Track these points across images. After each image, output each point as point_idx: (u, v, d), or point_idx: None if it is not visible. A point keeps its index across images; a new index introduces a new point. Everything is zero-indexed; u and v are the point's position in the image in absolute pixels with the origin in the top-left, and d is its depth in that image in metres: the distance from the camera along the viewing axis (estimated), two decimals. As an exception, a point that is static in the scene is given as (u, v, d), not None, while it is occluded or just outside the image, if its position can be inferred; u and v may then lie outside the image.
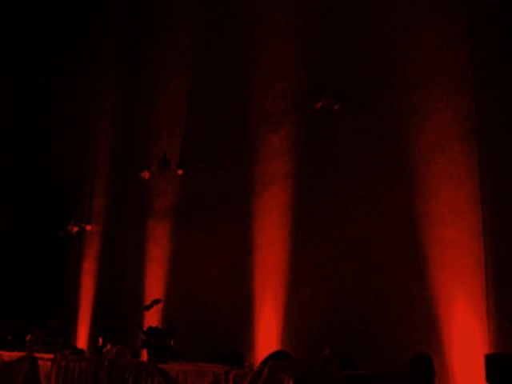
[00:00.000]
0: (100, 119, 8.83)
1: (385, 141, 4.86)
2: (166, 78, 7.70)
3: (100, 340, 5.96)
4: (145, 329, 4.94)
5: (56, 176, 9.72)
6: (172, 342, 4.84)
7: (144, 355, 5.23)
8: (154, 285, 6.91)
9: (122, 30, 8.94)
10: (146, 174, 6.96)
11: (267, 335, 5.41)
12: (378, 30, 5.14)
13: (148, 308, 5.39)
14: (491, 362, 3.53)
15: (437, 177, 4.42)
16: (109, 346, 5.32)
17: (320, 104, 5.14)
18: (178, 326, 4.99)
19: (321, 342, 4.75)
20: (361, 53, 5.23)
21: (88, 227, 8.12)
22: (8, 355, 5.96)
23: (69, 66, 10.10)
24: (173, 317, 5.49)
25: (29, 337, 6.33)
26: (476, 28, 4.42)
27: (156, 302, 5.36)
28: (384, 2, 5.14)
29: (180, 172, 6.85)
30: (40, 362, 5.53)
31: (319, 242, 5.23)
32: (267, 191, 5.83)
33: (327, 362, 3.91)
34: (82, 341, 7.95)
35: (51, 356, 5.45)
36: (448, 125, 4.42)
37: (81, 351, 6.58)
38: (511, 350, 3.60)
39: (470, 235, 4.14)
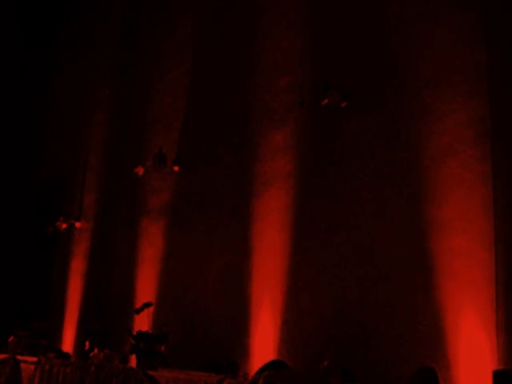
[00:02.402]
0: (93, 110, 8.83)
1: (394, 142, 4.85)
2: (165, 68, 7.70)
3: (87, 343, 5.97)
4: (134, 333, 4.95)
5: (45, 169, 9.72)
6: (163, 348, 4.85)
7: (133, 361, 5.23)
8: (146, 287, 6.90)
9: (119, 18, 8.94)
10: (140, 170, 6.97)
11: (263, 344, 5.40)
12: (390, 24, 5.13)
13: (138, 311, 5.39)
14: (499, 379, 3.53)
15: (448, 181, 4.42)
16: (96, 351, 5.32)
17: (326, 101, 5.13)
18: (169, 331, 4.99)
19: (320, 353, 4.75)
20: (371, 48, 5.23)
21: (78, 224, 8.12)
22: (-11, 357, 5.96)
23: (62, 53, 10.10)
24: (164, 321, 5.49)
25: (11, 338, 6.33)
26: (493, 25, 4.41)
27: (147, 305, 5.36)
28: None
29: (176, 168, 6.85)
30: (23, 365, 5.54)
31: (321, 246, 5.22)
32: (268, 191, 5.82)
33: (326, 374, 3.91)
34: (67, 344, 7.95)
35: (35, 359, 5.45)
36: (461, 127, 4.42)
37: (66, 355, 6.58)
38: (521, 367, 3.60)
39: (480, 244, 4.13)
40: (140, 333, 4.88)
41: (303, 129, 5.66)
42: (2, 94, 9.57)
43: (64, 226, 7.97)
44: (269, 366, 4.81)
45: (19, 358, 5.68)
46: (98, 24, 9.36)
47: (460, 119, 4.44)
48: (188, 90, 7.25)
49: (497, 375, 3.62)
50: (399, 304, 4.51)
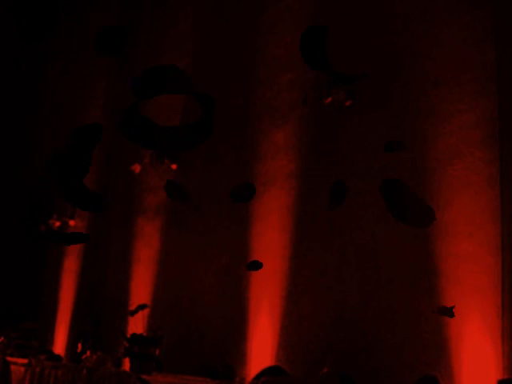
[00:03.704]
0: (89, 105, 8.83)
1: (399, 142, 4.85)
2: (164, 63, 7.68)
3: (79, 345, 5.97)
4: (128, 336, 4.95)
5: (38, 164, 9.71)
6: (157, 352, 4.85)
7: (126, 364, 5.24)
8: (141, 288, 6.90)
9: (119, 9, 8.94)
10: (136, 167, 6.95)
11: (261, 349, 5.40)
12: (397, 21, 5.13)
13: (133, 313, 5.40)
14: (504, 389, 3.53)
15: (454, 184, 4.42)
16: (88, 353, 5.34)
17: (330, 99, 5.11)
18: (164, 334, 4.99)
19: (319, 359, 4.75)
20: (377, 46, 5.23)
21: (71, 222, 8.10)
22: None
23: (57, 46, 10.10)
24: (159, 324, 5.50)
25: (1, 339, 6.33)
26: (503, 24, 4.41)
27: (142, 307, 5.37)
28: (404, -8, 5.14)
29: (174, 167, 6.83)
30: (12, 367, 5.53)
31: (322, 249, 5.22)
32: (268, 192, 5.82)
33: (325, 381, 3.91)
34: (59, 346, 7.95)
35: (25, 361, 5.45)
36: (469, 128, 4.42)
37: (58, 357, 6.58)
38: (526, 377, 3.61)
39: (487, 249, 4.13)
40: (134, 335, 4.89)
41: (306, 128, 5.66)
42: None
43: (57, 224, 7.95)
44: (266, 372, 4.82)
45: (9, 359, 5.68)
46: (95, 16, 9.36)
47: (468, 120, 4.44)
48: (187, 85, 7.24)
49: (502, 385, 3.62)
50: (402, 310, 4.51)
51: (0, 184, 9.28)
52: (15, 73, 9.78)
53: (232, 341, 5.68)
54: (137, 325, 5.84)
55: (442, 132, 4.58)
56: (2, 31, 9.74)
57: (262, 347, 5.41)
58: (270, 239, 5.67)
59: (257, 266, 4.63)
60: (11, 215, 9.22)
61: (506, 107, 4.25)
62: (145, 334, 5.04)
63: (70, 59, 9.64)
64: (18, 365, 5.48)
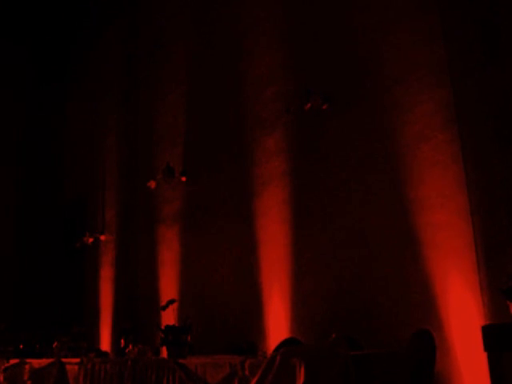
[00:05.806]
0: (106, 135, 8.83)
1: (372, 135, 4.85)
2: (164, 92, 7.70)
3: (122, 341, 5.96)
4: (162, 327, 4.94)
5: (69, 192, 9.71)
6: (189, 338, 4.84)
7: (164, 352, 5.23)
8: (168, 286, 6.90)
9: (121, 53, 8.94)
10: (152, 183, 6.96)
11: (277, 324, 5.40)
12: (358, 32, 5.13)
13: (164, 308, 5.38)
14: (487, 333, 3.52)
15: (423, 164, 4.41)
16: (130, 346, 5.32)
17: (309, 105, 5.13)
18: (193, 322, 4.98)
19: (327, 327, 4.75)
20: (343, 55, 5.23)
21: (102, 237, 8.11)
22: (37, 362, 5.96)
23: (74, 88, 10.11)
24: (188, 314, 5.49)
25: (55, 344, 6.34)
26: (448, 23, 4.41)
27: (171, 301, 5.35)
28: (361, 7, 5.13)
29: (184, 179, 6.85)
30: (68, 367, 5.52)
31: (318, 234, 5.22)
32: (266, 190, 5.82)
33: (335, 345, 3.90)
34: (105, 343, 7.94)
35: (77, 360, 5.44)
36: (430, 115, 4.41)
37: (105, 353, 6.58)
38: (504, 320, 3.60)
39: (458, 216, 4.13)
40: (167, 326, 4.87)
41: (292, 132, 5.66)
42: (27, 127, 9.59)
43: (90, 240, 7.96)
44: (283, 344, 4.81)
45: (64, 360, 5.67)
46: (102, 59, 9.36)
47: (428, 108, 4.44)
48: (187, 108, 7.25)
49: (485, 329, 3.61)
50: (392, 276, 4.50)
51: (40, 211, 9.29)
52: (41, 114, 9.80)
53: (251, 321, 5.68)
54: (168, 317, 5.83)
55: (407, 121, 4.58)
56: (25, 80, 9.73)
57: (277, 323, 5.40)
58: (273, 230, 5.66)
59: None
60: (52, 237, 9.23)
61: (459, 94, 4.25)
62: (176, 325, 5.02)
63: (86, 98, 9.65)
64: (72, 364, 5.47)
